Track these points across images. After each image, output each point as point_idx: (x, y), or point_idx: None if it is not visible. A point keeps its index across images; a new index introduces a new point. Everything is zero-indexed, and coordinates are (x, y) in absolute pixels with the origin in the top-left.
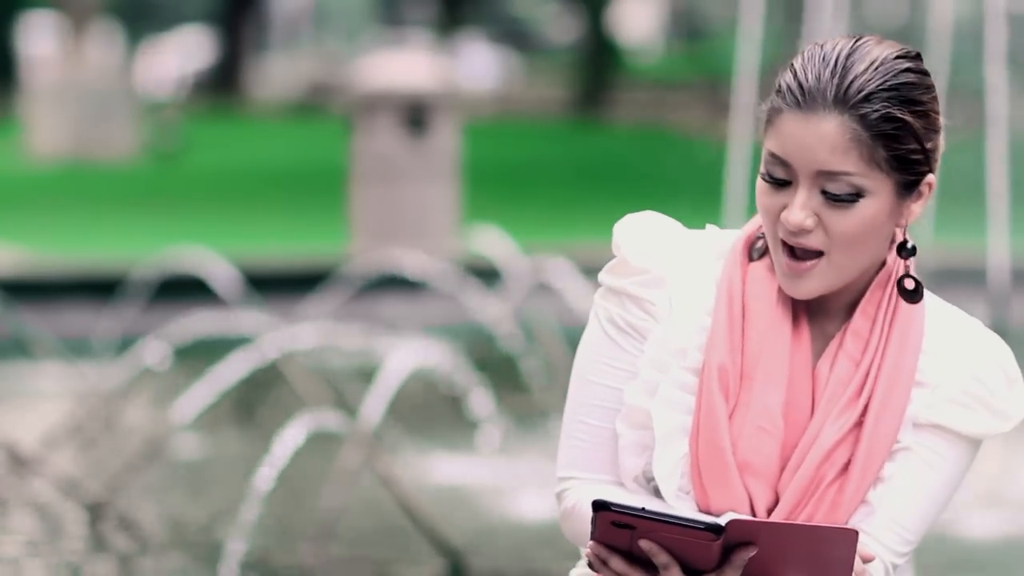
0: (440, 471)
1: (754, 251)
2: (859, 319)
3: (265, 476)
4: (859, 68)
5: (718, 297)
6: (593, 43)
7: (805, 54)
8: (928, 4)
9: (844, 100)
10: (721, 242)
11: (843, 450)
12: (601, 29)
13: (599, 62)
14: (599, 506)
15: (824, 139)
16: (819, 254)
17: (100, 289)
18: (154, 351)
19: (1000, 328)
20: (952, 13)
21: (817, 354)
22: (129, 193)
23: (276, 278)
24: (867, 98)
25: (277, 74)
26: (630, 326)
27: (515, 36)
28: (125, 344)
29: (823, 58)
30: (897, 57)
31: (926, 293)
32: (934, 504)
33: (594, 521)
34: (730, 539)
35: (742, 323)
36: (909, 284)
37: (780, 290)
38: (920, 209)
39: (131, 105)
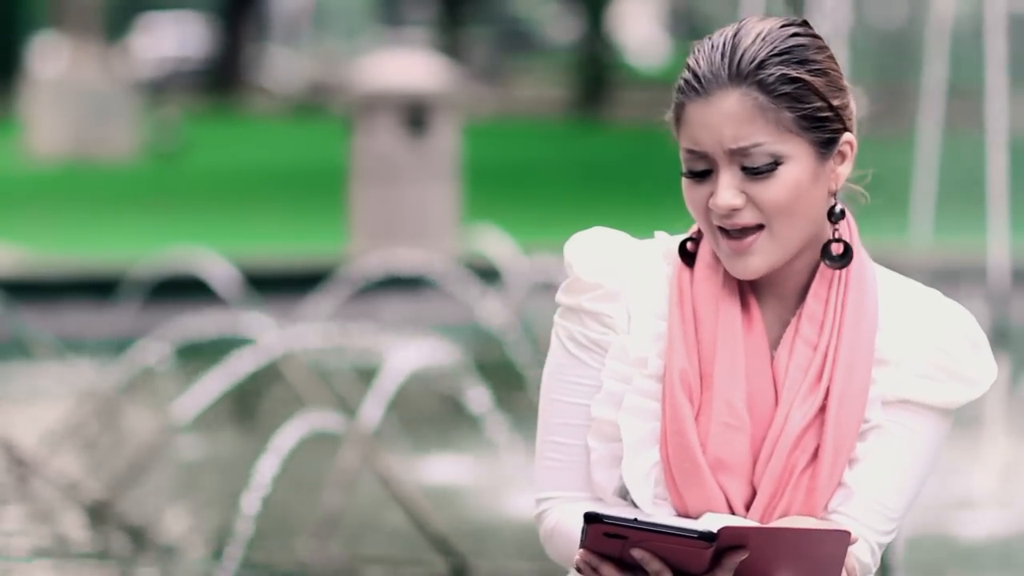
0: (440, 471)
1: (686, 257)
2: (812, 302)
3: (264, 476)
4: (747, 42)
5: (670, 300)
6: (593, 43)
7: (695, 48)
8: (928, 4)
9: (738, 74)
10: (670, 245)
11: (811, 436)
12: (601, 29)
13: (599, 62)
14: (591, 518)
15: (727, 116)
16: (758, 228)
17: (100, 289)
18: (154, 351)
19: (1000, 328)
20: (952, 13)
21: (774, 342)
22: (129, 193)
23: (276, 278)
24: (760, 65)
25: (277, 73)
26: (591, 341)
27: (515, 36)
28: (125, 344)
29: (712, 46)
30: (783, 26)
31: (880, 269)
32: (913, 479)
33: (585, 531)
34: (721, 545)
35: (694, 324)
36: (836, 249)
37: (724, 286)
38: (847, 171)
39: (131, 105)
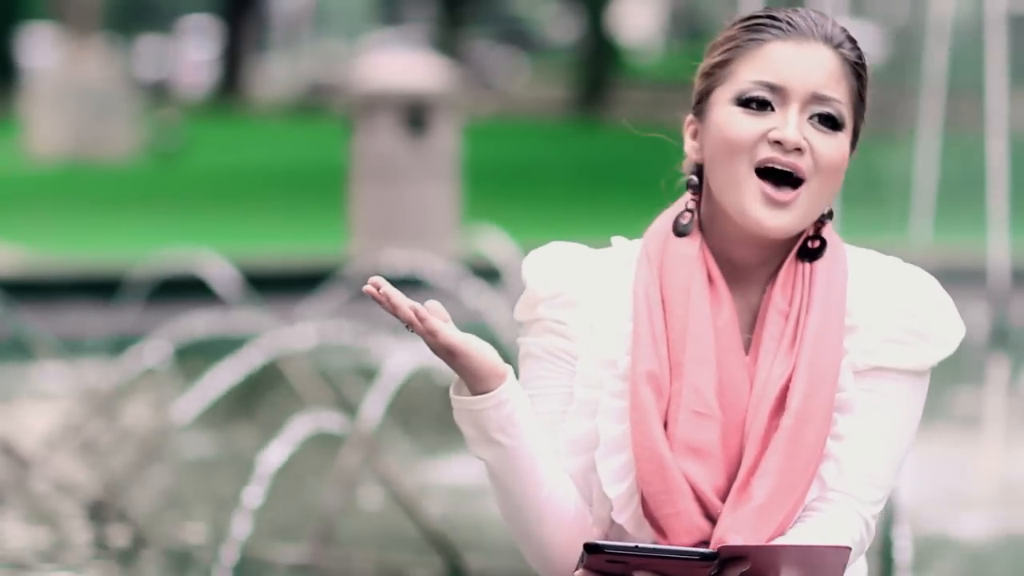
0: (440, 471)
1: (680, 227)
2: (784, 274)
3: (264, 476)
4: (826, 18)
5: (635, 299)
6: (593, 43)
7: (758, 12)
8: (928, 4)
9: (830, 38)
10: (629, 249)
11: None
12: (601, 29)
13: (599, 62)
14: (592, 548)
15: (823, 63)
16: (799, 184)
17: (100, 289)
18: (154, 351)
19: (1000, 328)
20: (952, 13)
21: (746, 328)
22: (129, 193)
23: (276, 278)
24: (846, 39)
25: (277, 74)
26: (548, 352)
27: (515, 36)
28: (125, 344)
29: (792, 10)
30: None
31: (842, 243)
32: (897, 446)
33: (583, 558)
34: (722, 559)
35: (663, 316)
36: (815, 244)
37: (695, 276)
38: None
39: (131, 105)
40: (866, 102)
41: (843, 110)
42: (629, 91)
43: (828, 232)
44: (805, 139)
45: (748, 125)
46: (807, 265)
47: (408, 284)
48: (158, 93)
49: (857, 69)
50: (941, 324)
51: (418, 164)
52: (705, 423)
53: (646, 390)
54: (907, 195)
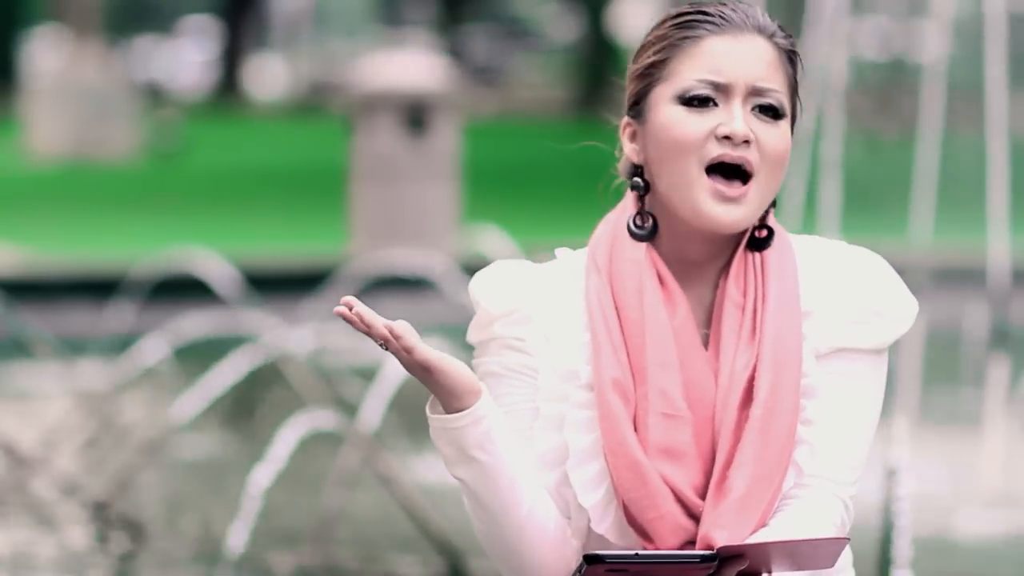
0: (440, 471)
1: (639, 231)
2: (735, 267)
3: (264, 476)
4: (757, 8)
5: (589, 308)
6: (593, 43)
7: (684, 6)
8: (928, 4)
9: (763, 28)
10: (575, 259)
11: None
12: (601, 29)
13: (599, 62)
14: (592, 559)
15: (760, 54)
16: (749, 179)
17: (100, 289)
18: (154, 351)
19: (1000, 328)
20: (952, 13)
21: (703, 323)
22: (129, 193)
23: (276, 278)
24: (777, 28)
25: (277, 74)
26: (510, 369)
27: (515, 36)
28: (125, 344)
29: (716, 4)
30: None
31: (785, 232)
32: (865, 425)
33: (582, 568)
34: (720, 559)
35: (619, 323)
36: (761, 233)
37: (645, 279)
38: None
39: (131, 105)
40: (798, 89)
41: (783, 99)
42: None
43: (772, 221)
44: (751, 131)
45: (694, 124)
46: (758, 256)
47: (408, 284)
48: (158, 93)
49: (791, 56)
50: (895, 301)
51: (418, 164)
52: (675, 424)
53: (614, 398)
54: (907, 195)
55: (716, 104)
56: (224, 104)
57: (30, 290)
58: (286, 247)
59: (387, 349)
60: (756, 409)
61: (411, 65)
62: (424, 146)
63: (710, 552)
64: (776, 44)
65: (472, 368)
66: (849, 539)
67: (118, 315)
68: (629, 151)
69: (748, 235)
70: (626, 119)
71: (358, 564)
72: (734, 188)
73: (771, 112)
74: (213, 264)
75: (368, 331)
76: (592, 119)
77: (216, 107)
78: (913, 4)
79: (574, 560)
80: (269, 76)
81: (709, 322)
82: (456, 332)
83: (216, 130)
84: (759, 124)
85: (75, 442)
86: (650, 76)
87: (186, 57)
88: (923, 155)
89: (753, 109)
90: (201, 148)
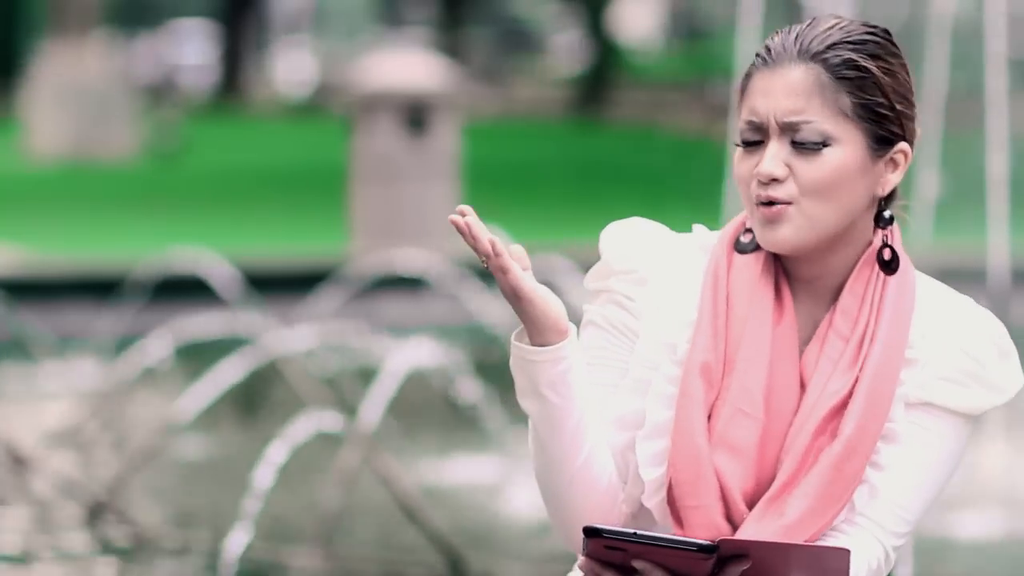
0: (440, 471)
1: (740, 244)
2: (847, 297)
3: (265, 476)
4: (823, 26)
5: (703, 288)
6: (593, 43)
7: (775, 32)
8: (928, 4)
9: (807, 51)
10: (707, 238)
11: (837, 423)
12: (601, 29)
13: (599, 62)
14: (591, 532)
15: (788, 86)
16: (787, 203)
17: (100, 289)
18: (154, 351)
19: None
20: (952, 13)
21: (805, 340)
22: (129, 193)
23: (276, 278)
24: (830, 47)
25: (277, 74)
26: (612, 324)
27: (515, 36)
28: (125, 344)
29: (789, 29)
30: (864, 25)
31: (918, 273)
32: (933, 483)
33: (586, 543)
34: (723, 555)
35: (726, 311)
36: (887, 254)
37: (761, 277)
38: (897, 179)
39: (131, 105)
40: (872, 103)
41: (821, 127)
42: (629, 91)
43: (898, 245)
44: (788, 165)
45: (744, 166)
46: (878, 286)
47: (408, 284)
48: (158, 93)
49: (843, 73)
50: (1001, 372)
51: (418, 164)
52: (747, 423)
53: (698, 381)
54: (907, 195)
55: (763, 142)
56: (224, 104)
57: (30, 290)
58: (286, 247)
59: (486, 265)
60: (837, 446)
61: (411, 65)
62: (424, 146)
63: (709, 543)
64: (821, 63)
65: (581, 312)
66: (850, 551)
67: (118, 315)
68: None
69: (873, 254)
70: None
71: (358, 564)
72: (771, 210)
73: (808, 144)
74: (213, 264)
75: (474, 244)
76: (592, 119)
77: (216, 107)
78: (913, 3)
79: (620, 525)
80: (269, 76)
81: (810, 340)
82: (456, 332)
83: (216, 130)
84: (796, 158)
85: (75, 442)
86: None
87: (186, 57)
88: (923, 155)
89: (793, 143)
90: (201, 148)
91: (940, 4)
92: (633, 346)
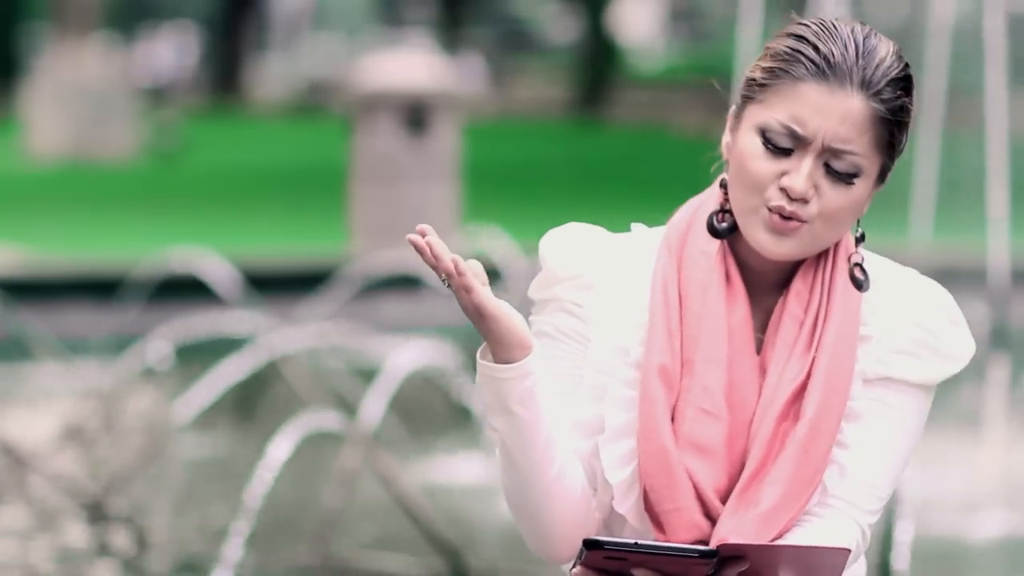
0: (440, 471)
1: (718, 228)
2: (799, 282)
3: (264, 476)
4: (881, 54)
5: (652, 289)
6: (593, 43)
7: (815, 27)
8: (928, 4)
9: (869, 83)
10: (650, 238)
11: (799, 406)
12: (601, 29)
13: (599, 62)
14: (591, 544)
15: (848, 116)
16: (803, 221)
17: (100, 289)
18: (154, 351)
19: (1000, 328)
20: (952, 13)
21: (760, 327)
22: (129, 193)
23: (276, 278)
24: (889, 84)
25: (277, 74)
26: (562, 333)
27: (515, 36)
28: (125, 344)
29: (842, 38)
30: (897, 49)
31: (862, 250)
32: (898, 457)
33: (582, 554)
34: (720, 557)
35: (679, 311)
36: (860, 273)
37: (713, 273)
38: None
39: (131, 105)
40: (899, 143)
41: (861, 162)
42: (629, 91)
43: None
44: (816, 186)
45: (766, 166)
46: (826, 268)
47: (408, 284)
48: (158, 93)
49: (893, 116)
50: (954, 340)
51: (418, 164)
52: (711, 422)
53: (657, 384)
54: (907, 195)
55: (792, 151)
56: (224, 104)
57: (30, 290)
58: (286, 247)
59: (448, 286)
60: (802, 428)
61: (411, 65)
62: (424, 146)
63: (710, 548)
64: (876, 104)
65: (529, 324)
66: (849, 550)
67: (119, 315)
68: (724, 146)
69: (847, 270)
70: (733, 108)
71: (358, 564)
72: (787, 224)
73: (843, 175)
74: (213, 264)
75: (435, 263)
76: (592, 119)
77: (216, 107)
78: (913, 4)
79: (594, 532)
80: (269, 76)
81: (766, 328)
82: (456, 332)
83: (216, 130)
84: (826, 182)
85: (75, 442)
86: (752, 90)
87: (186, 57)
88: (923, 155)
89: (826, 165)
90: (201, 148)
91: (940, 4)
92: (586, 352)
